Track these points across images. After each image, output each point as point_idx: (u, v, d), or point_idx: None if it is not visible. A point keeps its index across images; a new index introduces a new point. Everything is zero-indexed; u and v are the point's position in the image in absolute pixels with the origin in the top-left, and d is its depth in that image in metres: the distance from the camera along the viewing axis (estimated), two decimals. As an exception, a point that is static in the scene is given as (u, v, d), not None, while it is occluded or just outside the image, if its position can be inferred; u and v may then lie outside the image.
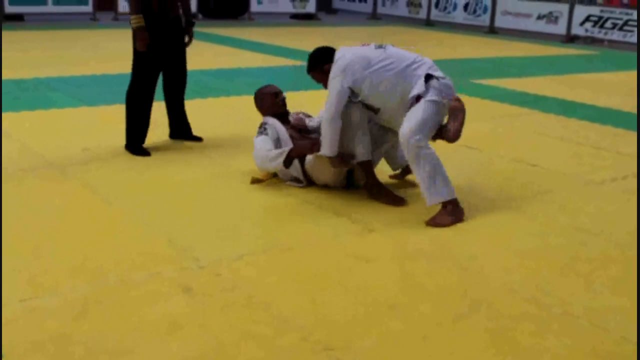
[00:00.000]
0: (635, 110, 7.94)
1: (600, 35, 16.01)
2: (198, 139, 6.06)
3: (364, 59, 4.56)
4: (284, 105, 5.14)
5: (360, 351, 2.89)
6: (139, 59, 5.59)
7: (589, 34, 16.21)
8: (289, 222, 4.37)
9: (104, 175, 5.07)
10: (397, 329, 3.09)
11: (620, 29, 15.60)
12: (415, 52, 4.75)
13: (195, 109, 7.42)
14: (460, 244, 4.05)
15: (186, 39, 5.89)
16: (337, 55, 4.64)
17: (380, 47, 4.68)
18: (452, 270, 3.70)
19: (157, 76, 5.71)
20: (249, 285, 3.42)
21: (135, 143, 5.68)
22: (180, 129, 6.08)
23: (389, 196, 4.72)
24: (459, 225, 4.33)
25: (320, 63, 4.75)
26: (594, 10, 16.12)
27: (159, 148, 5.80)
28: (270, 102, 5.12)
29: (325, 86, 4.69)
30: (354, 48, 4.69)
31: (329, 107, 4.54)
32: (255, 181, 4.95)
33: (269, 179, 5.00)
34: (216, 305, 3.23)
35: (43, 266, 3.56)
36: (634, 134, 6.83)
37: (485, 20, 18.05)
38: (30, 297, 3.22)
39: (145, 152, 5.65)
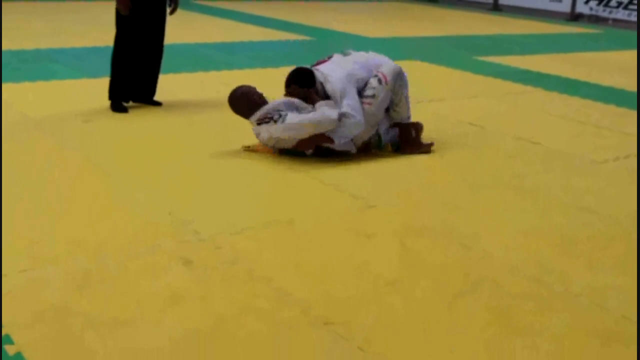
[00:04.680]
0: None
1: (605, 14, 15.92)
2: (158, 104, 6.27)
3: (355, 63, 5.12)
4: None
5: (359, 326, 2.89)
6: (121, 22, 5.86)
7: (593, 12, 16.12)
8: (290, 196, 4.36)
9: (105, 147, 5.05)
10: (397, 305, 3.08)
11: (625, 7, 15.50)
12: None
13: (198, 82, 7.42)
14: (462, 221, 4.04)
15: (171, 8, 6.14)
16: (326, 72, 5.04)
17: (346, 54, 5.30)
18: (453, 247, 3.69)
19: (140, 39, 5.93)
20: (250, 259, 3.42)
21: (115, 99, 6.01)
22: (145, 92, 6.23)
23: (424, 147, 5.23)
24: (461, 203, 4.33)
25: (303, 86, 5.02)
26: (599, -12, 16.03)
27: (164, 120, 5.80)
28: (257, 100, 5.07)
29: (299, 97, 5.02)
30: (334, 61, 5.19)
31: (354, 108, 4.88)
32: (248, 149, 5.05)
33: (263, 151, 5.02)
34: (216, 278, 3.23)
35: (43, 237, 3.55)
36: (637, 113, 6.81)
37: (489, -3, 17.94)
38: (30, 268, 3.22)
39: (122, 109, 5.99)
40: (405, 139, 5.21)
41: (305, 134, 4.84)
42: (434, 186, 4.61)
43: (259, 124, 4.93)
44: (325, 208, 4.16)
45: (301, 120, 4.81)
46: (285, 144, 4.91)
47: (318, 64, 5.22)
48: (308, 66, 5.18)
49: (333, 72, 5.01)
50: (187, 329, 2.80)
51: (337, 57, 5.24)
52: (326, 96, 4.97)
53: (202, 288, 3.13)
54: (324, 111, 4.82)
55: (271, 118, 4.87)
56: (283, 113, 4.85)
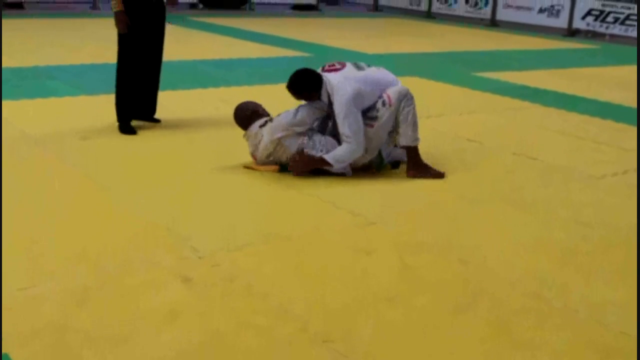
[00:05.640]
0: (635, 105, 7.92)
1: (602, 29, 15.98)
2: (157, 121, 6.25)
3: (366, 80, 4.96)
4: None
5: (359, 343, 2.88)
6: (123, 41, 5.83)
7: (590, 27, 16.18)
8: (289, 213, 4.36)
9: (104, 164, 5.06)
10: (396, 321, 3.08)
11: (622, 23, 15.57)
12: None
13: (196, 99, 7.43)
14: (461, 236, 4.04)
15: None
16: (334, 83, 4.89)
17: (359, 67, 5.11)
18: (452, 263, 3.69)
19: (142, 57, 5.92)
20: (248, 276, 3.41)
21: (123, 122, 5.94)
22: (144, 110, 6.19)
23: (433, 172, 5.08)
24: (459, 218, 4.33)
25: (309, 90, 4.95)
26: (596, 4, 16.06)
27: (163, 137, 5.81)
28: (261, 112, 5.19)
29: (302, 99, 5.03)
30: (345, 73, 4.99)
31: (355, 133, 4.82)
32: (249, 167, 5.05)
33: (263, 169, 5.02)
34: (215, 295, 3.22)
35: (42, 254, 3.55)
36: (635, 129, 6.82)
37: (486, 13, 18.02)
38: (29, 285, 3.21)
39: (131, 131, 5.91)
40: (413, 162, 5.07)
41: (307, 120, 4.95)
42: (432, 202, 4.61)
43: (262, 125, 4.98)
44: (324, 225, 4.16)
45: (296, 110, 4.98)
46: (284, 152, 4.94)
47: (330, 67, 5.07)
48: (318, 70, 5.07)
49: (342, 87, 4.84)
50: (185, 346, 2.79)
51: (349, 68, 5.05)
52: (330, 108, 4.95)
53: (200, 304, 3.13)
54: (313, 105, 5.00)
55: (272, 119, 5.02)
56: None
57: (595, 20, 16.04)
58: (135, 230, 3.92)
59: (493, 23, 17.72)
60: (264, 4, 19.21)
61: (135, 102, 6.03)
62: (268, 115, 5.12)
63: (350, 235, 3.99)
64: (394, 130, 5.05)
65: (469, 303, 3.26)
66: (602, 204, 4.71)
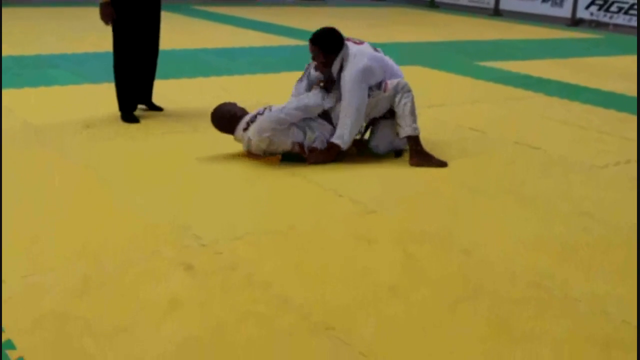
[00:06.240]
0: (639, 95, 7.91)
1: (606, 19, 15.94)
2: (159, 109, 6.28)
3: (379, 61, 5.08)
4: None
5: (361, 332, 2.88)
6: (117, 32, 5.83)
7: (594, 17, 16.13)
8: (291, 201, 4.35)
9: (105, 153, 5.05)
10: (397, 312, 3.07)
11: (626, 12, 15.52)
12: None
13: (198, 87, 7.42)
14: (462, 227, 4.03)
15: None
16: (351, 53, 4.98)
17: (376, 49, 5.22)
18: (453, 253, 3.69)
19: (138, 46, 5.91)
20: (250, 265, 3.41)
21: (125, 111, 5.95)
22: (144, 95, 6.21)
23: (436, 161, 5.09)
24: (461, 209, 4.32)
25: (331, 51, 4.99)
26: (600, -7, 16.04)
27: (164, 126, 5.82)
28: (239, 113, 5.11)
29: (317, 59, 5.05)
30: (362, 48, 5.08)
31: (358, 109, 4.94)
32: (250, 155, 5.04)
33: (265, 159, 5.01)
34: (216, 284, 3.22)
35: (43, 244, 3.55)
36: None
37: (490, 2, 17.98)
38: (30, 273, 3.21)
39: (133, 119, 5.92)
40: (416, 151, 5.10)
41: (295, 118, 4.95)
42: (434, 192, 4.61)
43: (245, 129, 4.95)
44: (326, 213, 4.15)
45: (285, 108, 4.97)
46: (279, 145, 4.94)
47: (349, 39, 5.13)
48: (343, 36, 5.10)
49: (358, 57, 4.94)
50: (186, 335, 2.79)
51: (367, 46, 5.15)
52: (338, 77, 5.01)
53: (201, 294, 3.13)
54: (309, 99, 5.02)
55: (256, 115, 4.97)
56: (267, 109, 5.01)
57: (599, 9, 15.99)
58: (136, 220, 3.91)
59: (496, 12, 17.67)
60: (267, -8, 19.18)
61: (135, 91, 6.04)
62: (247, 113, 5.06)
63: (352, 224, 3.99)
64: (396, 122, 5.10)
65: (470, 294, 3.25)
66: (604, 195, 4.70)
